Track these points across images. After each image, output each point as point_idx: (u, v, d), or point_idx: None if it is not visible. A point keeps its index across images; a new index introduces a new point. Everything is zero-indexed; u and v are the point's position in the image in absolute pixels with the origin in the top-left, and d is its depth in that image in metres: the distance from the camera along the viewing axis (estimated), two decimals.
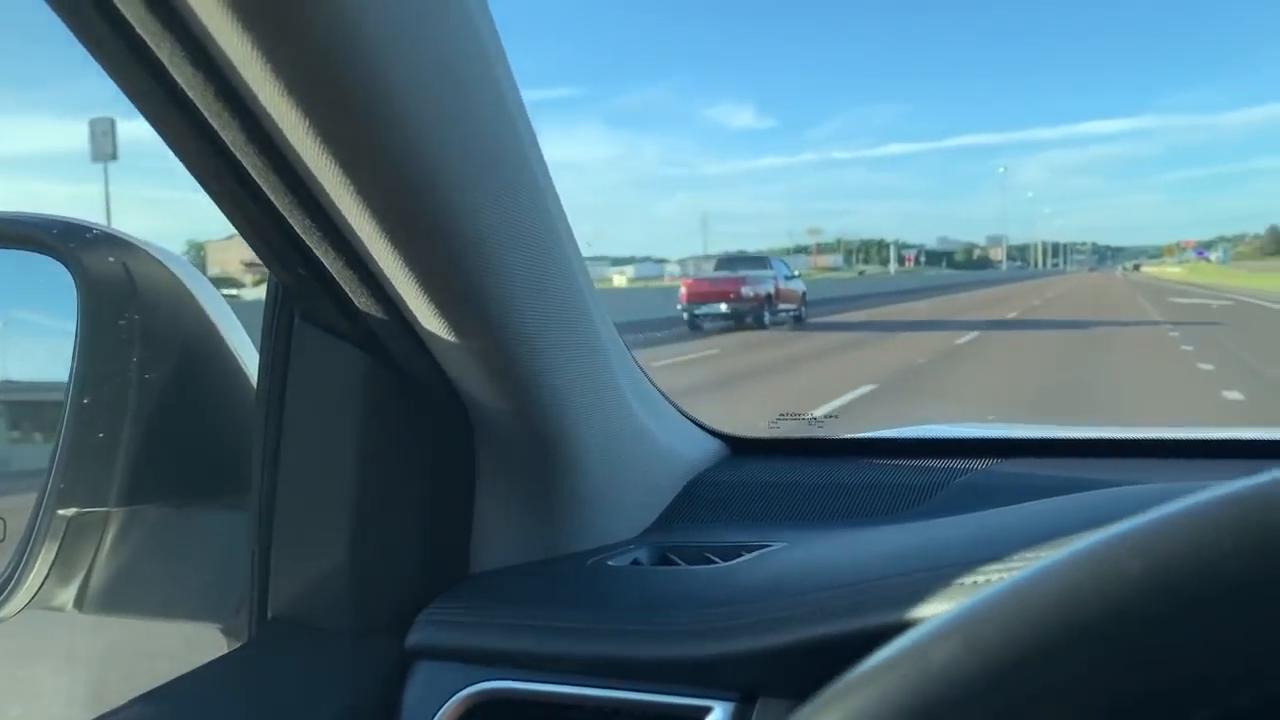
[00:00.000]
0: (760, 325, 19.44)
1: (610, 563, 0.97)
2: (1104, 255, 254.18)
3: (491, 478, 0.96)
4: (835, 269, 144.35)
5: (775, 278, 20.79)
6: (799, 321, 21.16)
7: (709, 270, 22.86)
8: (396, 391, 0.89)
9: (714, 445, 1.27)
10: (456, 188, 0.71)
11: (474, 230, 0.73)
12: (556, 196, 0.86)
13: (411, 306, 0.78)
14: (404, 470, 0.92)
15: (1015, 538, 0.72)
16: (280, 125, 0.65)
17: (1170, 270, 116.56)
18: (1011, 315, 25.82)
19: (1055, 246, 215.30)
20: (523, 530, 0.98)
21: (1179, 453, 1.23)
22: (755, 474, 1.21)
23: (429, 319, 0.78)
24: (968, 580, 0.67)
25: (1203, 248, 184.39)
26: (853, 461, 1.26)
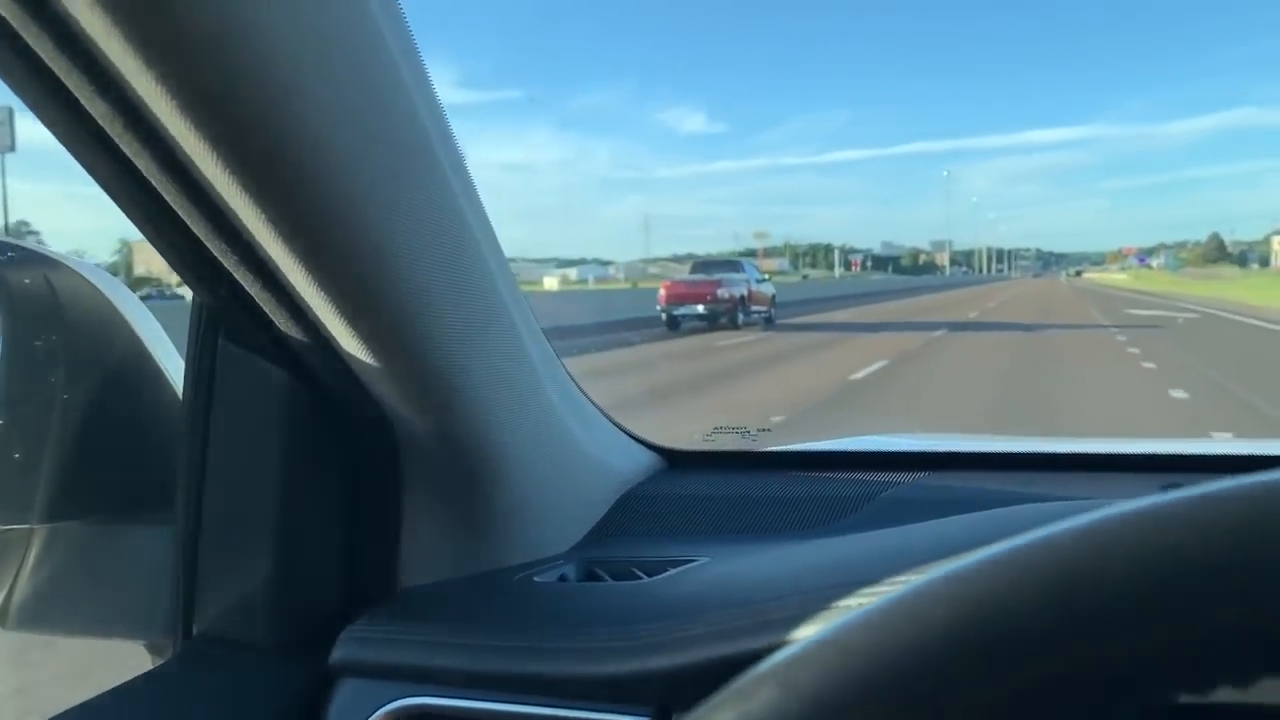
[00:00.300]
0: (734, 326, 20.17)
1: (537, 579, 0.97)
2: (1048, 261, 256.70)
3: (418, 493, 0.95)
4: (781, 273, 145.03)
5: (748, 281, 21.68)
6: (769, 323, 21.88)
7: (684, 274, 24.23)
8: (320, 409, 0.89)
9: (648, 458, 1.26)
10: (365, 204, 0.70)
11: (386, 247, 0.73)
12: (478, 205, 0.85)
13: (329, 326, 0.78)
14: (328, 487, 0.92)
15: (929, 553, 0.74)
16: (184, 147, 0.65)
17: (1115, 277, 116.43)
18: (972, 315, 27.38)
19: (1000, 252, 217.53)
20: (451, 545, 0.97)
21: (1112, 466, 1.26)
22: (689, 487, 1.21)
23: (347, 338, 0.79)
24: (853, 601, 0.69)
25: (1144, 254, 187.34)
26: (787, 474, 1.26)
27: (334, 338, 0.80)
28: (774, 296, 23.42)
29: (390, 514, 0.96)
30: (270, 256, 0.73)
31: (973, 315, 27.94)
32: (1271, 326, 20.18)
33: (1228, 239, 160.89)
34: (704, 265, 24.04)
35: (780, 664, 0.35)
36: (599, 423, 1.17)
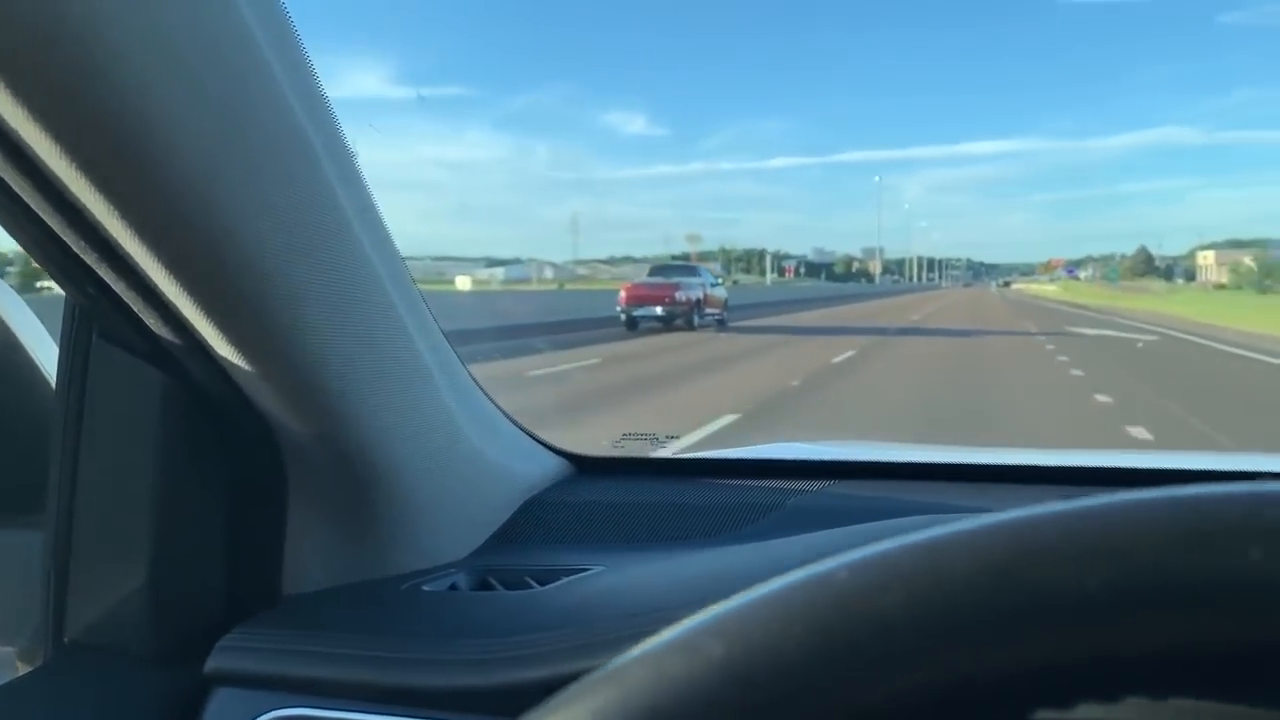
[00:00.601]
0: (690, 327, 20.65)
1: (426, 587, 0.96)
2: (978, 271, 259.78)
3: (303, 498, 0.94)
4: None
5: (703, 285, 22.30)
6: (721, 325, 22.41)
7: (612, 274, 28.30)
8: (197, 411, 0.87)
9: (556, 464, 1.25)
10: (223, 204, 0.68)
11: (251, 247, 0.71)
12: (365, 203, 0.83)
13: (199, 327, 0.76)
14: (207, 490, 0.90)
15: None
16: (30, 143, 0.63)
17: (1046, 288, 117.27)
18: (913, 318, 28.49)
19: (931, 261, 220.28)
20: (339, 552, 0.96)
21: (1026, 479, 1.26)
22: (596, 494, 1.21)
23: (218, 340, 0.77)
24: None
25: (1072, 266, 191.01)
26: (698, 482, 1.26)
27: (205, 339, 0.78)
28: (726, 300, 24.01)
29: (274, 519, 0.94)
30: (131, 255, 0.71)
31: (914, 318, 28.72)
32: (1265, 359, 14.84)
33: (1155, 253, 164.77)
34: (661, 269, 24.65)
35: (571, 693, 0.36)
36: (504, 428, 1.16)
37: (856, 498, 1.18)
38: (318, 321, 0.78)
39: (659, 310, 20.64)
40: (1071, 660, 0.31)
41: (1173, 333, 20.78)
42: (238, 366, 0.79)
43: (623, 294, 21.83)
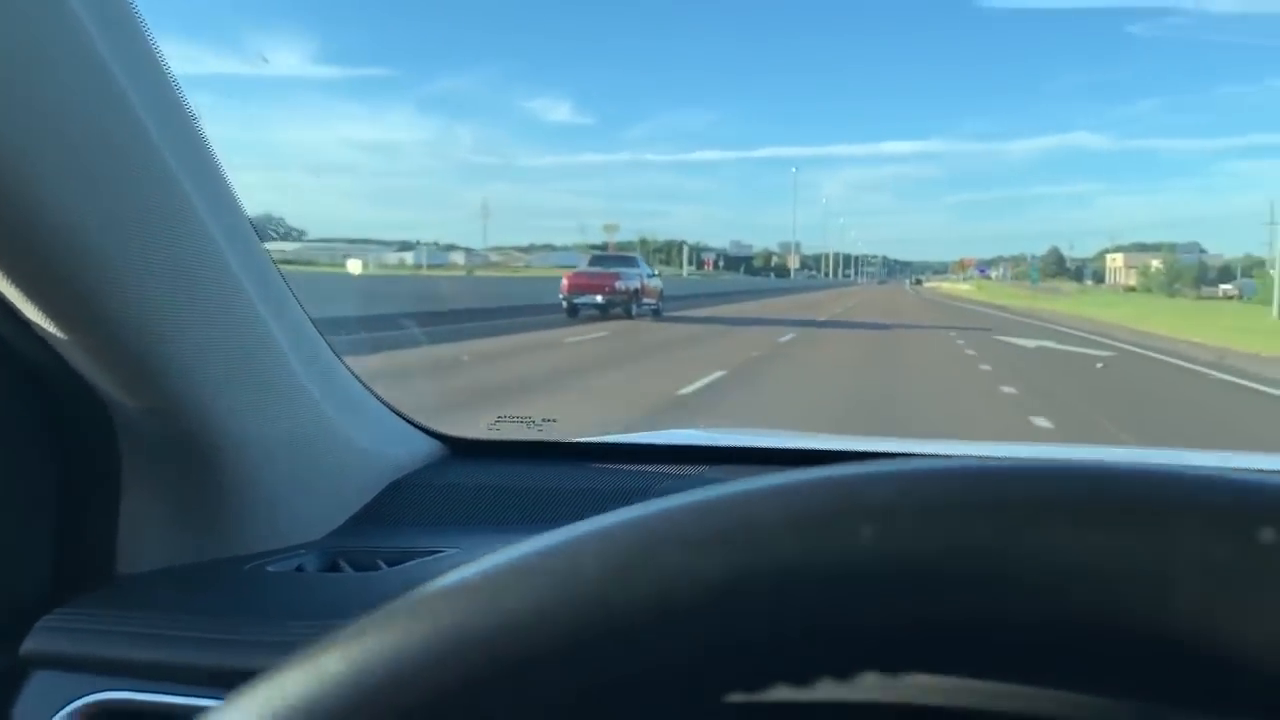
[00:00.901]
0: (628, 315, 21.35)
1: (270, 568, 0.94)
2: (893, 268, 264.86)
3: (140, 477, 0.91)
4: None
5: (641, 275, 23.07)
6: (657, 314, 23.21)
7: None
8: (20, 384, 0.85)
9: (429, 446, 1.26)
10: (37, 177, 0.66)
11: (73, 227, 0.69)
12: (213, 182, 0.83)
13: (21, 304, 0.74)
14: (33, 467, 0.88)
15: None
16: None
17: (960, 287, 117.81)
18: (821, 317, 28.34)
19: (848, 258, 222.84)
20: (180, 532, 0.94)
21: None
22: (468, 476, 1.22)
23: (40, 315, 0.75)
24: None
25: (984, 266, 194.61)
26: (576, 466, 1.28)
27: (29, 315, 0.76)
28: (662, 290, 24.57)
29: (108, 498, 0.92)
30: None
31: (822, 317, 29.02)
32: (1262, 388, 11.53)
33: (1067, 255, 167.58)
34: (601, 259, 25.71)
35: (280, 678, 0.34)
36: (372, 410, 1.16)
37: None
38: (152, 299, 0.77)
39: (599, 299, 21.42)
40: (722, 647, 0.31)
41: (1133, 349, 17.34)
42: (63, 340, 0.78)
43: (565, 283, 22.76)
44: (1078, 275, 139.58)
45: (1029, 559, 0.30)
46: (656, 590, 0.31)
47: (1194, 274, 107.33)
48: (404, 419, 1.21)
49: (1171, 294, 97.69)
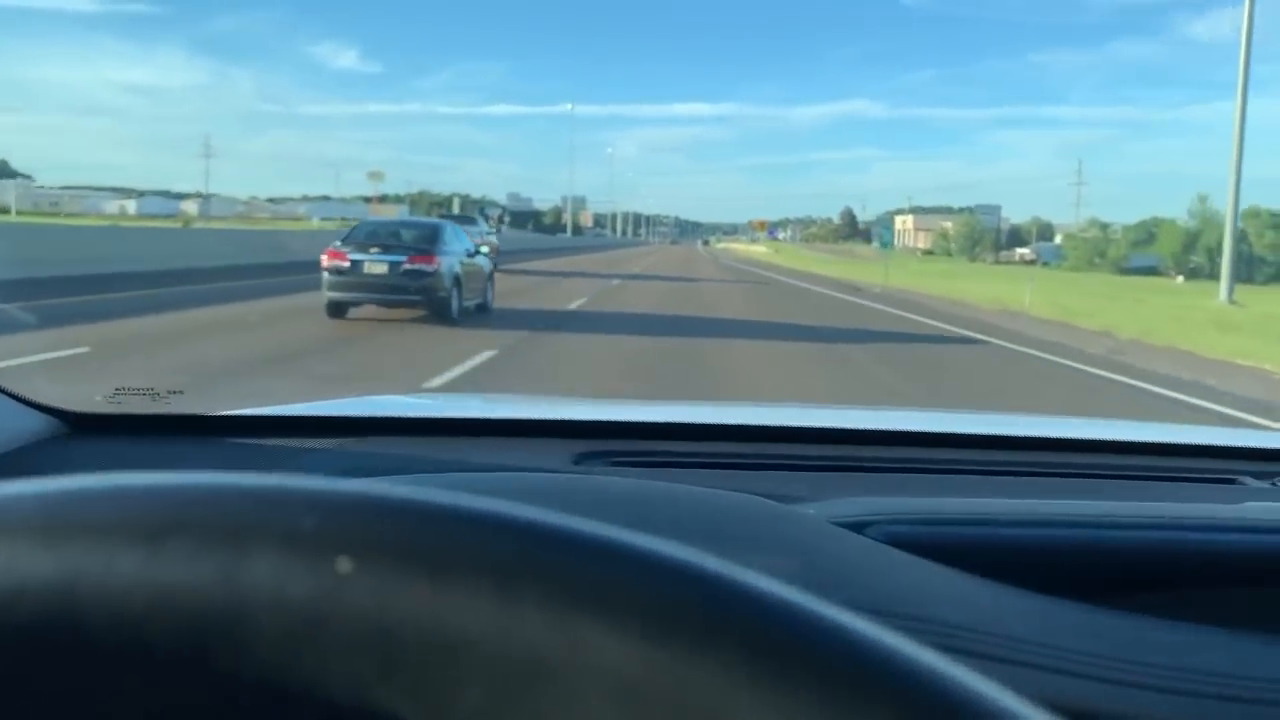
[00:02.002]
0: None
1: None
2: (685, 229, 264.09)
3: None
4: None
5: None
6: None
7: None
8: None
9: (37, 422, 1.19)
10: None
11: None
12: None
13: None
14: None
15: None
16: None
17: (754, 248, 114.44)
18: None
19: (641, 217, 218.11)
20: None
21: (546, 432, 1.41)
22: (82, 456, 1.16)
23: None
24: None
25: (774, 228, 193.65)
26: (203, 441, 1.24)
27: None
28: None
29: None
30: None
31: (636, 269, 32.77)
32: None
33: (860, 217, 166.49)
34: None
35: None
36: None
37: (365, 455, 1.18)
38: None
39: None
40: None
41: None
42: None
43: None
44: (867, 237, 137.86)
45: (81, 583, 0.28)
46: None
47: (993, 238, 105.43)
48: (5, 393, 1.16)
49: (973, 258, 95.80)
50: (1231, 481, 1.42)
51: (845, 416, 1.98)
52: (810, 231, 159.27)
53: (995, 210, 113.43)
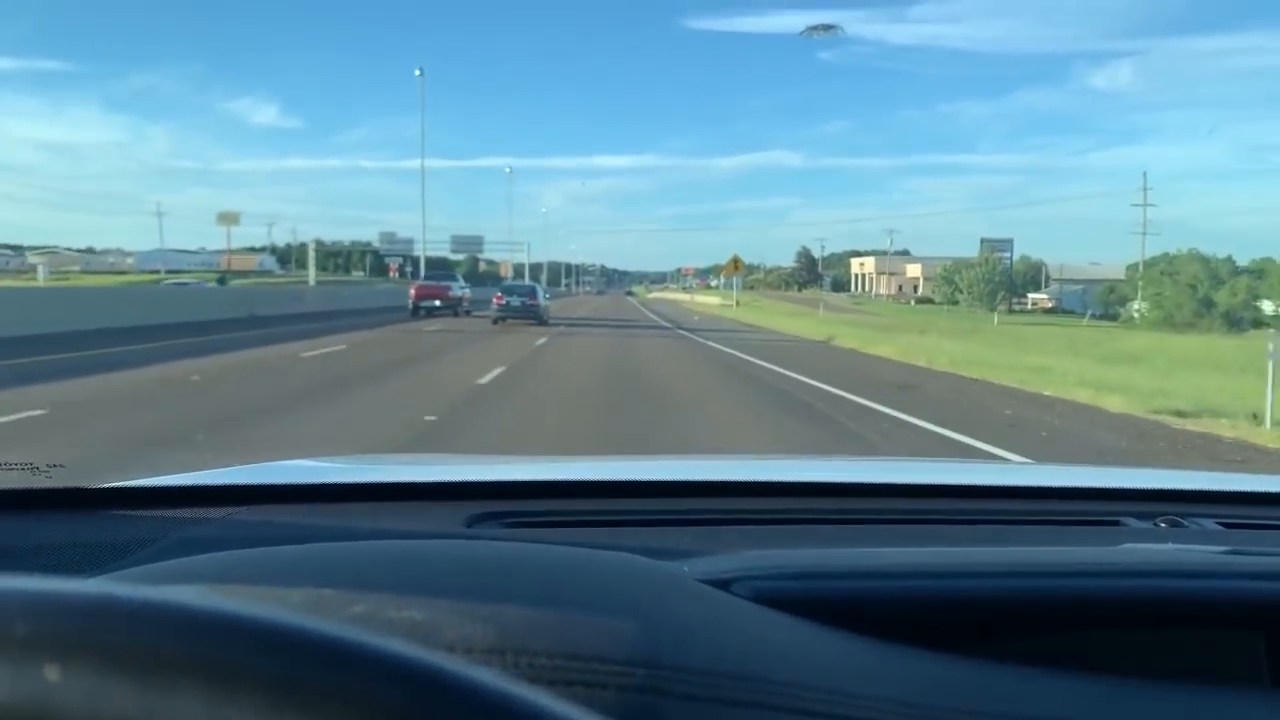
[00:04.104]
0: (457, 315, 34.21)
1: None
2: (611, 278, 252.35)
3: None
4: (264, 272, 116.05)
5: (462, 287, 37.55)
6: (468, 314, 35.57)
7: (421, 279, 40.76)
8: None
9: None
10: None
11: None
12: None
13: None
14: None
15: None
16: None
17: (703, 300, 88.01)
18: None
19: (567, 267, 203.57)
20: None
21: (439, 496, 1.35)
22: None
23: None
24: None
25: (703, 274, 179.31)
26: (74, 515, 1.18)
27: None
28: (470, 297, 38.07)
29: None
30: None
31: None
32: None
33: (819, 257, 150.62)
34: (433, 275, 41.83)
35: None
36: None
37: (251, 524, 1.15)
38: None
39: (438, 302, 34.43)
40: None
41: None
42: None
43: (412, 291, 35.67)
44: (827, 283, 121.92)
45: None
46: None
47: (1006, 283, 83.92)
48: None
49: (992, 308, 77.46)
50: (1114, 523, 1.42)
51: (741, 469, 1.94)
52: (755, 278, 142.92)
53: (1008, 244, 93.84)
